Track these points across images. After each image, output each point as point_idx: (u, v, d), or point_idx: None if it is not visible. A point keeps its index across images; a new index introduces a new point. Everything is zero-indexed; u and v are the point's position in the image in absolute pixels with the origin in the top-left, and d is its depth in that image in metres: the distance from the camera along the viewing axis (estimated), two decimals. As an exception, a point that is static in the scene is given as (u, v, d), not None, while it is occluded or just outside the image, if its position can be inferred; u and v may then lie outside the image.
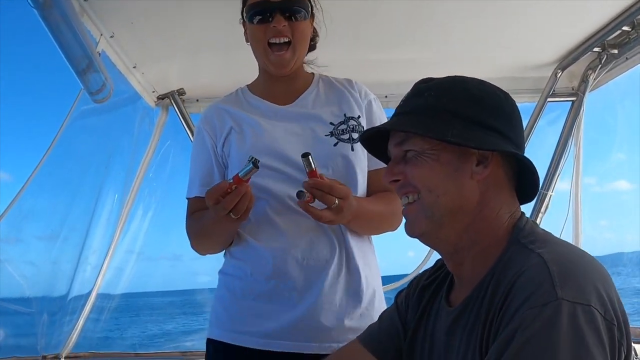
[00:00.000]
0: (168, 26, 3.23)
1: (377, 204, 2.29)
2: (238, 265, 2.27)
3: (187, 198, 2.40)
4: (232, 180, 1.99)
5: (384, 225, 2.34)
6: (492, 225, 1.53)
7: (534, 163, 1.54)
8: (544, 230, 1.54)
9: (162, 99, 4.18)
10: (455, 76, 1.61)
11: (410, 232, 1.62)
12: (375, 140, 1.72)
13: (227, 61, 3.52)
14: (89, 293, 4.54)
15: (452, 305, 1.62)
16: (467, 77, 1.60)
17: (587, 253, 1.44)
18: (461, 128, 1.50)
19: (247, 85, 2.47)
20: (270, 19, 2.20)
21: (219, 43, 3.41)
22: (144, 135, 4.32)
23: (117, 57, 3.37)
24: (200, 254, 2.39)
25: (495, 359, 1.30)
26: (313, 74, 2.47)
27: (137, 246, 4.85)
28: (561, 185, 4.21)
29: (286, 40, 2.24)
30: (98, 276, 4.55)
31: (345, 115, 2.33)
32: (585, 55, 3.77)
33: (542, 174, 4.12)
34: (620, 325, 1.30)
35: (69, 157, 3.65)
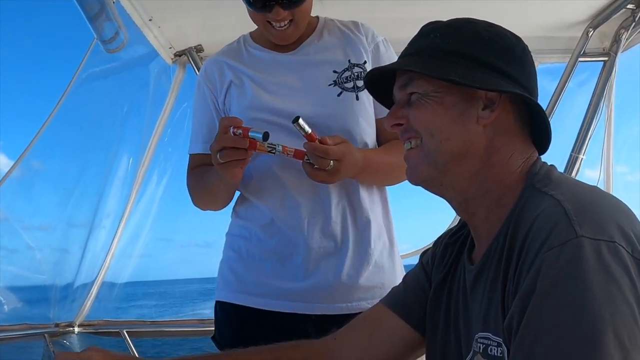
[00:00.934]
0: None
1: (385, 154, 2.23)
2: (243, 225, 2.25)
3: (190, 154, 2.36)
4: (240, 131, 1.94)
5: (396, 175, 2.26)
6: (504, 172, 1.45)
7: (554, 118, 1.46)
8: (560, 173, 1.46)
9: (179, 55, 4.09)
10: (464, 17, 1.52)
11: (412, 178, 1.56)
12: (382, 85, 1.64)
13: (247, 15, 3.42)
14: (104, 259, 4.47)
15: (474, 262, 1.54)
16: (476, 19, 1.51)
17: (608, 193, 1.36)
18: (467, 69, 1.42)
19: (250, 33, 2.40)
20: (269, 9, 2.11)
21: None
22: (161, 94, 4.23)
23: (133, 8, 3.26)
24: (201, 209, 2.35)
25: (519, 315, 1.22)
26: (318, 17, 2.39)
27: (151, 216, 4.78)
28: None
29: (287, 23, 2.18)
30: (112, 241, 4.47)
31: (349, 61, 2.26)
32: (618, 14, 3.66)
33: (572, 136, 4.07)
34: None
35: (80, 117, 3.58)
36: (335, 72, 2.23)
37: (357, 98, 2.21)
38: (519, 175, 1.44)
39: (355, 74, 2.24)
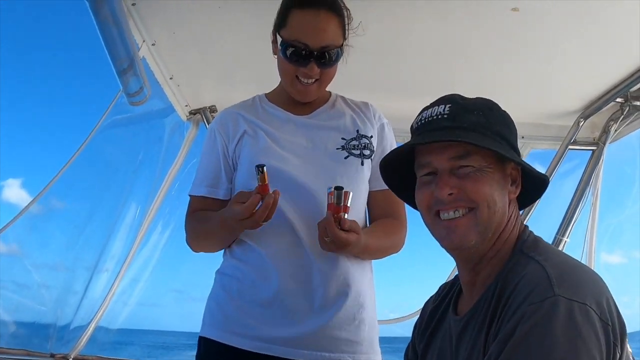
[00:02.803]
0: (208, 41, 3.32)
1: (384, 237, 2.37)
2: (237, 266, 2.30)
3: (191, 195, 2.42)
4: (257, 192, 2.06)
5: (389, 253, 2.41)
6: (508, 235, 1.63)
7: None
8: (545, 242, 1.63)
9: (194, 113, 4.26)
10: (486, 99, 1.71)
11: (459, 243, 1.62)
12: (392, 164, 1.80)
13: (260, 82, 3.53)
14: (104, 299, 4.55)
15: (460, 314, 1.70)
16: (491, 101, 1.70)
17: (587, 266, 1.54)
18: (508, 149, 1.61)
19: (265, 94, 2.51)
20: (305, 64, 2.24)
21: (254, 64, 3.47)
22: (173, 149, 4.38)
23: (156, 66, 3.46)
24: (194, 252, 2.42)
25: (495, 355, 1.37)
26: (330, 92, 2.52)
27: (151, 265, 4.90)
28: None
29: (313, 80, 2.30)
30: (113, 284, 4.56)
31: (358, 131, 2.39)
32: (608, 106, 3.84)
33: (558, 219, 4.21)
34: (615, 328, 1.36)
35: (97, 162, 3.72)
36: (343, 139, 2.34)
37: (362, 164, 2.33)
38: (512, 239, 1.62)
39: (363, 144, 2.35)
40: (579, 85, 3.68)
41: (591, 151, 4.24)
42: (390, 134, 2.49)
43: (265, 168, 2.05)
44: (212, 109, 4.24)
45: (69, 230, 3.82)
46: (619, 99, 3.78)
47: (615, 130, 4.08)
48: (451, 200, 1.61)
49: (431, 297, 1.94)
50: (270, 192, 2.07)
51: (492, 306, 1.51)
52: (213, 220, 2.28)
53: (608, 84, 3.61)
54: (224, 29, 3.16)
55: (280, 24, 2.31)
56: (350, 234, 2.09)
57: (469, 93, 3.71)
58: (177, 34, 3.20)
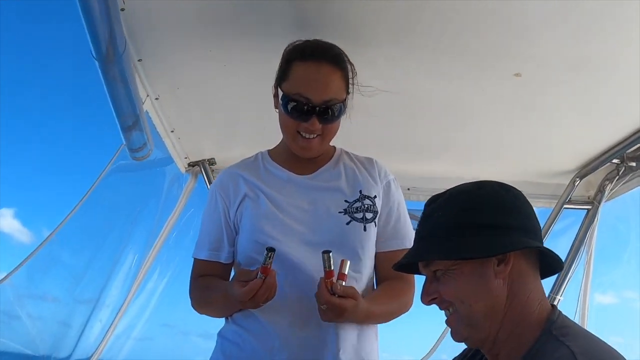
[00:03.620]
0: (210, 97, 3.35)
1: (388, 301, 2.33)
2: (237, 332, 2.28)
3: (195, 258, 2.43)
4: (259, 272, 2.04)
5: (396, 316, 2.38)
6: (524, 313, 1.61)
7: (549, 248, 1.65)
8: (575, 323, 1.63)
9: (193, 165, 4.28)
10: (457, 187, 1.75)
11: (455, 338, 1.70)
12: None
13: (260, 137, 3.56)
14: (95, 351, 4.49)
15: None
16: (467, 185, 1.74)
17: (616, 350, 1.52)
18: (472, 238, 1.62)
19: (268, 151, 2.50)
20: (307, 119, 2.22)
21: (254, 120, 3.53)
22: (171, 200, 4.39)
23: (158, 119, 3.48)
24: (199, 313, 2.42)
25: None
26: (335, 147, 2.50)
27: (147, 311, 4.86)
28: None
29: (315, 135, 2.28)
30: (106, 335, 4.49)
31: (360, 192, 2.35)
32: (604, 166, 3.87)
33: (552, 277, 4.17)
34: None
35: (100, 210, 3.71)
36: (346, 201, 2.31)
37: (365, 229, 2.29)
38: (537, 318, 1.60)
39: (366, 205, 2.32)
40: (576, 145, 3.72)
41: (586, 210, 4.26)
42: (398, 191, 2.48)
43: (274, 253, 2.03)
44: (211, 162, 4.26)
45: (68, 278, 3.80)
46: (615, 160, 3.81)
47: (611, 190, 4.10)
48: (438, 304, 1.71)
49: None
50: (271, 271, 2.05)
51: None
52: (216, 292, 2.29)
53: (605, 145, 3.65)
54: (227, 86, 3.18)
55: (281, 77, 2.30)
56: (347, 299, 2.06)
57: (468, 153, 3.77)
58: (181, 89, 3.23)
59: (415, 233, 1.80)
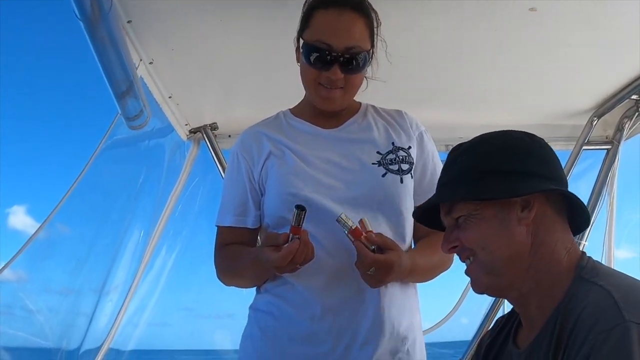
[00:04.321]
0: (208, 57, 3.21)
1: (431, 254, 2.20)
2: (272, 302, 2.17)
3: (218, 226, 2.32)
4: (291, 234, 1.93)
5: (439, 272, 2.28)
6: (552, 262, 1.57)
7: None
8: (606, 266, 1.59)
9: (194, 132, 4.15)
10: (482, 135, 1.72)
11: (476, 289, 1.69)
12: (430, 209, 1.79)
13: (263, 96, 3.50)
14: (112, 325, 4.41)
15: (521, 347, 1.66)
16: (492, 133, 1.70)
17: None
18: (495, 182, 1.59)
19: (290, 109, 2.39)
20: (328, 68, 2.10)
21: (256, 76, 3.39)
22: (174, 170, 4.27)
23: (154, 85, 3.35)
24: (225, 285, 2.33)
25: None
26: (360, 103, 2.38)
27: (158, 289, 4.77)
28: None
29: (339, 87, 2.16)
30: (115, 321, 4.43)
31: (393, 144, 2.24)
32: (622, 104, 3.77)
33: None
34: None
35: (99, 186, 3.60)
36: (379, 153, 2.20)
37: (402, 181, 2.18)
38: (566, 266, 1.56)
39: (400, 157, 2.21)
40: (593, 83, 3.60)
41: (606, 150, 4.16)
42: (430, 142, 2.37)
43: (305, 212, 1.90)
44: (213, 127, 4.13)
45: (74, 256, 3.70)
46: (634, 96, 3.70)
47: (630, 128, 4.02)
48: (458, 252, 1.70)
49: (486, 333, 1.90)
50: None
51: (555, 336, 1.46)
52: (244, 260, 2.19)
53: (621, 81, 3.55)
54: (225, 44, 3.04)
55: (303, 27, 2.20)
56: (391, 253, 1.97)
57: (480, 99, 3.64)
58: (176, 51, 3.09)
59: (438, 180, 1.78)
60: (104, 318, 4.27)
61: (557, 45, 3.05)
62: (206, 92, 3.71)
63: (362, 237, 1.94)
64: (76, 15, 2.22)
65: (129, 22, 2.73)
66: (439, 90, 3.64)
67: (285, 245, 1.92)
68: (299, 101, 2.39)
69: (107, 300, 4.23)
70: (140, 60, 3.04)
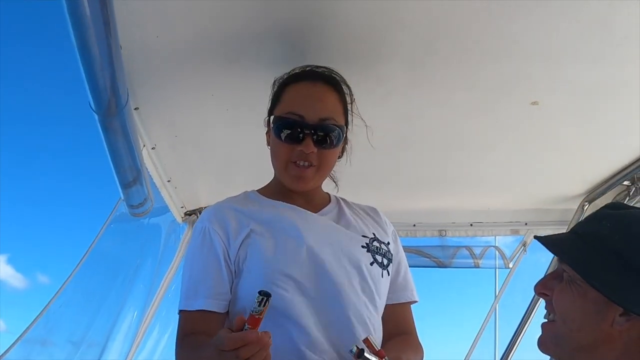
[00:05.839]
0: (208, 142, 3.24)
1: (414, 356, 2.07)
2: None
3: (183, 311, 2.02)
4: (246, 324, 1.60)
5: None
6: None
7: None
8: None
9: (189, 214, 4.15)
10: (637, 211, 1.54)
11: (540, 347, 1.58)
12: None
13: (257, 183, 3.50)
14: None
15: None
16: None
17: None
18: (617, 274, 1.41)
19: (257, 190, 2.24)
20: (300, 141, 1.99)
21: (253, 161, 3.32)
22: (169, 251, 4.26)
23: (155, 169, 3.36)
24: None
25: None
26: (329, 195, 2.28)
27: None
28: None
29: (311, 165, 2.04)
30: None
31: (375, 235, 2.15)
32: (613, 189, 3.78)
33: None
34: None
35: (99, 268, 3.59)
36: (364, 236, 2.10)
37: (382, 275, 2.08)
38: None
39: (383, 250, 2.10)
40: (584, 170, 3.64)
41: (597, 234, 4.12)
42: (398, 239, 2.28)
43: (270, 299, 1.58)
44: (208, 209, 4.08)
45: (70, 340, 3.66)
46: (625, 182, 3.72)
47: (622, 212, 3.98)
48: (544, 300, 1.59)
49: None
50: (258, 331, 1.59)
51: None
52: (208, 349, 1.69)
53: (613, 168, 3.58)
54: (226, 132, 3.09)
55: (273, 105, 2.12)
56: None
57: (477, 185, 3.67)
58: (179, 137, 3.11)
59: (578, 224, 1.60)
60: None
61: (553, 135, 3.10)
62: (203, 176, 3.72)
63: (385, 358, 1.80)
64: (91, 108, 2.18)
65: (136, 109, 2.73)
66: (435, 177, 3.67)
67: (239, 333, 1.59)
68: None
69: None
70: (144, 145, 3.05)
